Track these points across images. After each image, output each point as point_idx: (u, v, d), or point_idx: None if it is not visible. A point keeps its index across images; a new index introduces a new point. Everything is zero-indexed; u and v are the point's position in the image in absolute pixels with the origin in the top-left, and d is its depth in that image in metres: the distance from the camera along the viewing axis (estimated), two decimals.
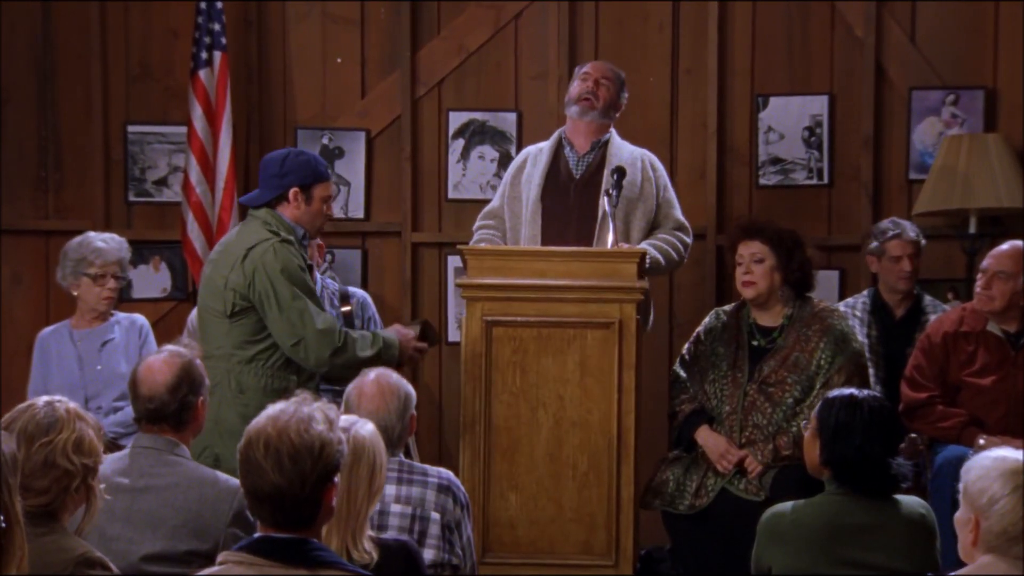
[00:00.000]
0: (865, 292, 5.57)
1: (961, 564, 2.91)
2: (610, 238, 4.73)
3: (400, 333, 4.59)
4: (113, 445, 4.43)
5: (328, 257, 5.98)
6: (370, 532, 3.24)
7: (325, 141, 6.22)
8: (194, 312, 5.43)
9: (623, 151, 5.18)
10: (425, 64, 6.23)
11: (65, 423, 2.91)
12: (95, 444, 2.95)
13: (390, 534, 3.51)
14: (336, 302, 5.24)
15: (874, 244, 5.46)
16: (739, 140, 6.17)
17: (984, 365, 4.87)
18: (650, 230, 5.14)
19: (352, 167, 6.24)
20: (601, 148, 5.18)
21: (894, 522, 3.60)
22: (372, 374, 3.78)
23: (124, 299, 5.86)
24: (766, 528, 3.65)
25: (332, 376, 4.48)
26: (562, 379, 4.56)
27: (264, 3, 6.26)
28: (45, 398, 2.98)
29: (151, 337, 5.27)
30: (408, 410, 3.74)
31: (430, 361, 6.24)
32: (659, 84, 6.19)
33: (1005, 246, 4.89)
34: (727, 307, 5.10)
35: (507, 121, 6.22)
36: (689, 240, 5.20)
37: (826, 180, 6.13)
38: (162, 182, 6.24)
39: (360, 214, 6.24)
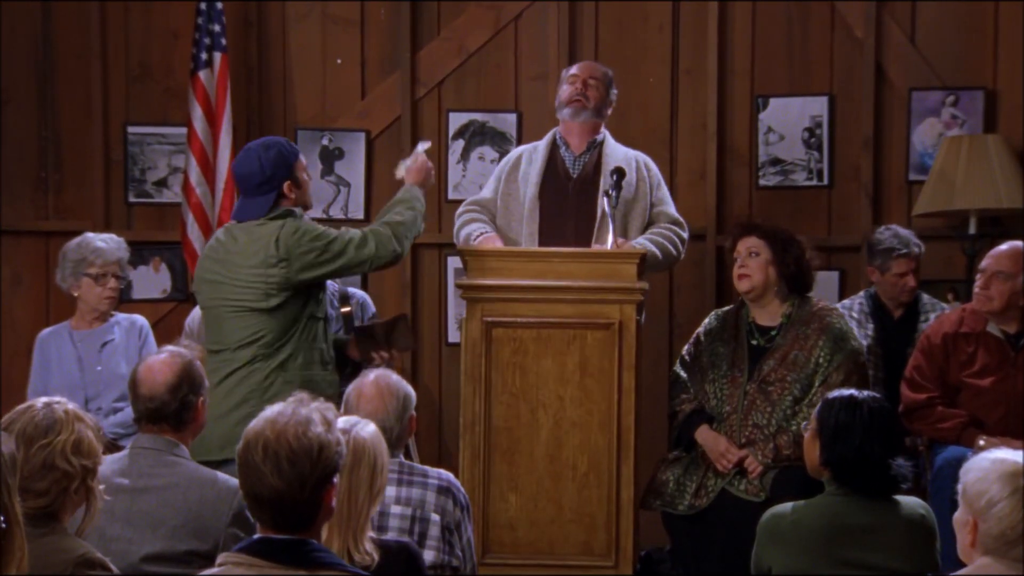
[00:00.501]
0: (862, 293, 5.57)
1: (961, 564, 2.91)
2: (610, 238, 4.73)
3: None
4: (113, 446, 4.43)
5: None
6: (371, 534, 3.24)
7: (325, 142, 6.22)
8: (192, 314, 5.45)
9: (617, 151, 5.21)
10: (425, 65, 6.23)
11: (64, 424, 2.91)
12: (94, 445, 2.95)
13: (390, 535, 3.50)
14: (336, 303, 5.24)
15: (878, 260, 5.43)
16: (739, 141, 6.17)
17: (984, 366, 4.87)
18: (646, 229, 5.14)
19: (352, 168, 6.24)
20: (597, 148, 5.19)
21: (894, 523, 3.60)
22: (372, 375, 3.77)
23: (124, 300, 5.86)
24: (766, 529, 3.65)
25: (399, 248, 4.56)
26: (562, 380, 4.56)
27: (264, 4, 6.26)
28: (44, 399, 2.98)
29: (151, 338, 5.27)
30: (407, 411, 3.73)
31: (430, 361, 6.24)
32: (659, 85, 6.19)
33: (1004, 246, 4.89)
34: (727, 308, 5.11)
35: (507, 122, 6.22)
36: (685, 235, 5.19)
37: (826, 181, 6.13)
38: (162, 183, 6.24)
39: (360, 215, 6.24)
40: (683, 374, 5.00)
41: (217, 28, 5.92)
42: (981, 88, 6.02)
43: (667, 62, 6.20)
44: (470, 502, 3.82)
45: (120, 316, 5.29)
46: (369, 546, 3.18)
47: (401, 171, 4.73)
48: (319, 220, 5.62)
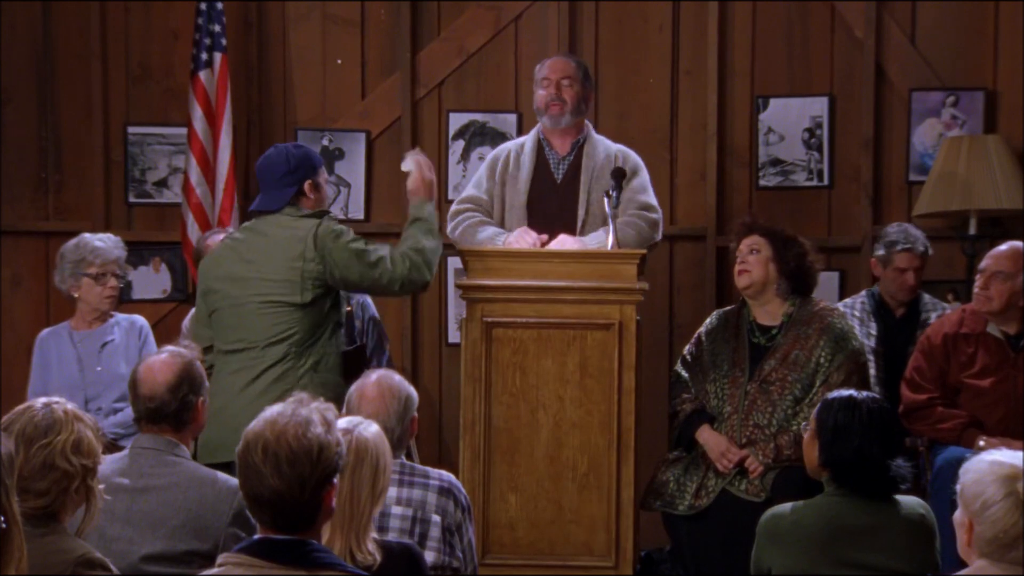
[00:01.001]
0: (864, 292, 5.57)
1: (962, 564, 2.91)
2: (610, 239, 4.73)
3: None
4: (113, 446, 4.43)
5: None
6: (374, 534, 3.24)
7: (325, 142, 6.22)
8: (190, 314, 5.45)
9: (597, 151, 5.16)
10: (425, 65, 6.23)
11: (63, 424, 2.91)
12: (94, 445, 2.95)
13: (390, 536, 3.50)
14: None
15: (881, 251, 5.44)
16: (739, 141, 6.17)
17: (984, 367, 4.87)
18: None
19: (352, 168, 6.24)
20: (578, 149, 5.17)
21: (894, 523, 3.60)
22: (374, 376, 3.78)
23: (124, 300, 5.85)
24: (766, 529, 3.65)
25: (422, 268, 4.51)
26: (562, 380, 4.56)
27: (264, 4, 6.26)
28: (43, 399, 2.98)
29: (151, 338, 5.27)
30: (409, 412, 3.73)
31: (430, 362, 6.24)
32: (659, 85, 6.20)
33: (1004, 246, 4.89)
34: (728, 308, 5.11)
35: (507, 122, 6.22)
36: (655, 216, 5.09)
37: (826, 181, 6.13)
38: (162, 183, 6.24)
39: (360, 215, 6.24)
40: (684, 374, 5.01)
41: (217, 28, 5.92)
42: (981, 88, 6.02)
43: (667, 62, 6.20)
44: (471, 503, 3.82)
45: (120, 316, 5.29)
46: (372, 546, 3.18)
47: (408, 164, 4.69)
48: None
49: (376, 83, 6.28)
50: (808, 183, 6.15)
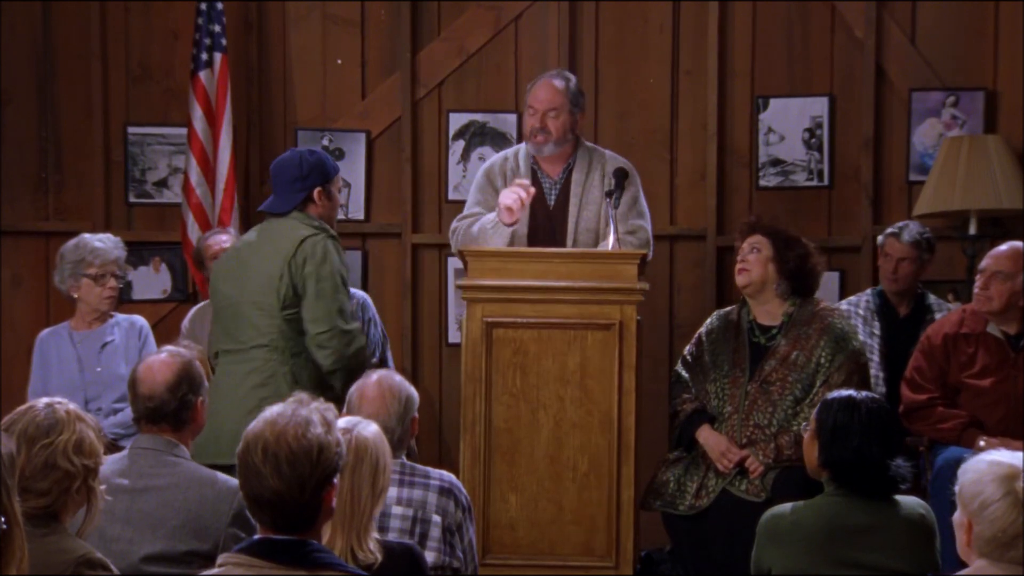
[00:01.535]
0: (868, 291, 5.57)
1: (962, 564, 2.91)
2: (611, 239, 4.73)
3: None
4: (113, 446, 4.43)
5: None
6: (375, 534, 3.24)
7: (325, 142, 6.22)
8: (189, 315, 5.46)
9: (589, 175, 5.07)
10: (425, 65, 6.23)
11: (65, 424, 2.92)
12: (95, 445, 2.95)
13: (391, 536, 3.50)
14: None
15: (880, 238, 5.48)
16: (739, 142, 6.17)
17: (984, 367, 4.87)
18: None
19: (352, 168, 6.24)
20: (568, 174, 5.11)
21: (894, 523, 3.60)
22: (374, 376, 3.78)
23: (124, 300, 5.86)
24: (766, 529, 3.65)
25: (334, 380, 4.46)
26: (562, 380, 4.56)
27: (264, 4, 6.26)
28: (45, 400, 2.98)
29: (151, 338, 5.27)
30: (409, 412, 3.74)
31: (430, 362, 6.25)
32: (659, 85, 6.19)
33: (1004, 246, 4.90)
34: (728, 308, 5.11)
35: (507, 122, 6.22)
36: (645, 236, 5.03)
37: (826, 182, 6.13)
38: (162, 183, 6.24)
39: (360, 215, 6.24)
40: (684, 374, 5.01)
41: (217, 28, 5.92)
42: (981, 88, 6.02)
43: (667, 62, 6.20)
44: (471, 503, 3.82)
45: (120, 317, 5.29)
46: (373, 545, 3.18)
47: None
48: None
49: (376, 83, 6.28)
50: (808, 183, 6.15)
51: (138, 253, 6.08)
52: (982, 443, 4.64)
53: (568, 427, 4.56)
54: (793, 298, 4.92)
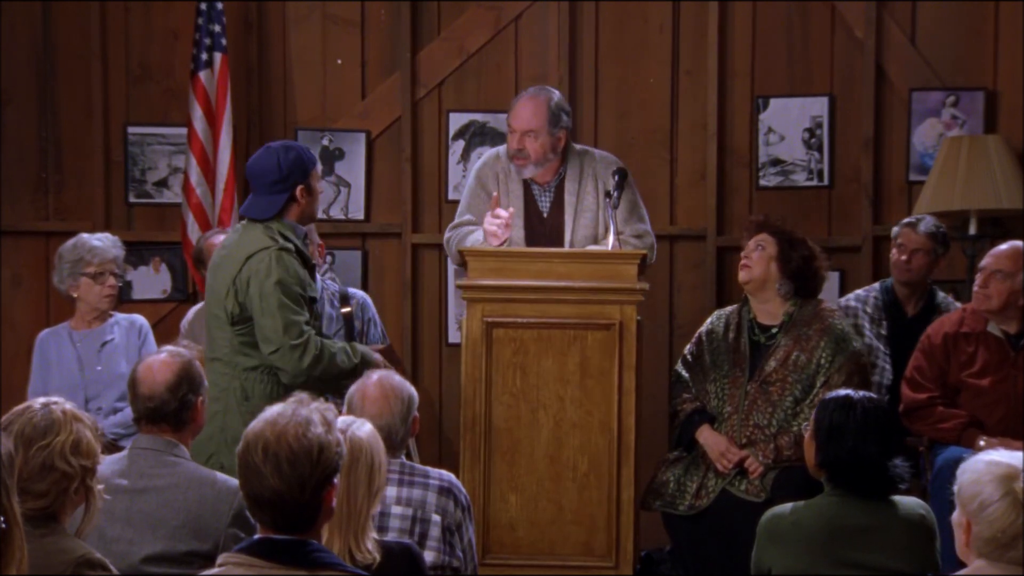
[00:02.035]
0: (876, 285, 5.53)
1: (962, 565, 2.91)
2: (611, 239, 4.73)
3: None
4: (113, 446, 4.43)
5: (328, 258, 5.98)
6: (373, 534, 3.23)
7: (325, 142, 6.22)
8: (188, 315, 5.46)
9: (582, 183, 5.02)
10: (425, 65, 6.23)
11: (62, 425, 2.91)
12: (93, 445, 2.95)
13: (391, 536, 3.50)
14: (336, 303, 5.24)
15: (894, 229, 5.45)
16: (739, 141, 6.17)
17: (984, 366, 4.87)
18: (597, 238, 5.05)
19: (352, 168, 6.24)
20: (560, 182, 5.07)
21: (893, 523, 3.60)
22: (375, 376, 3.78)
23: (124, 300, 5.86)
24: (766, 529, 3.65)
25: (308, 389, 4.39)
26: (562, 380, 4.56)
27: (264, 4, 6.26)
28: (42, 400, 2.97)
29: (151, 337, 5.27)
30: (411, 412, 3.74)
31: (430, 362, 6.24)
32: (659, 85, 6.19)
33: (1004, 246, 4.90)
34: (729, 307, 5.11)
35: None
36: (650, 240, 5.03)
37: (826, 181, 6.13)
38: (162, 183, 6.24)
39: (360, 215, 6.24)
40: (685, 373, 5.01)
41: (217, 28, 5.92)
42: (981, 88, 6.02)
43: (667, 62, 6.19)
44: (471, 503, 3.82)
45: (119, 316, 5.29)
46: (371, 545, 3.18)
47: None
48: (318, 221, 5.63)
49: (376, 83, 6.28)
50: (808, 183, 6.15)
51: (138, 253, 6.08)
52: (982, 443, 4.64)
53: (568, 427, 4.56)
54: (795, 299, 4.92)
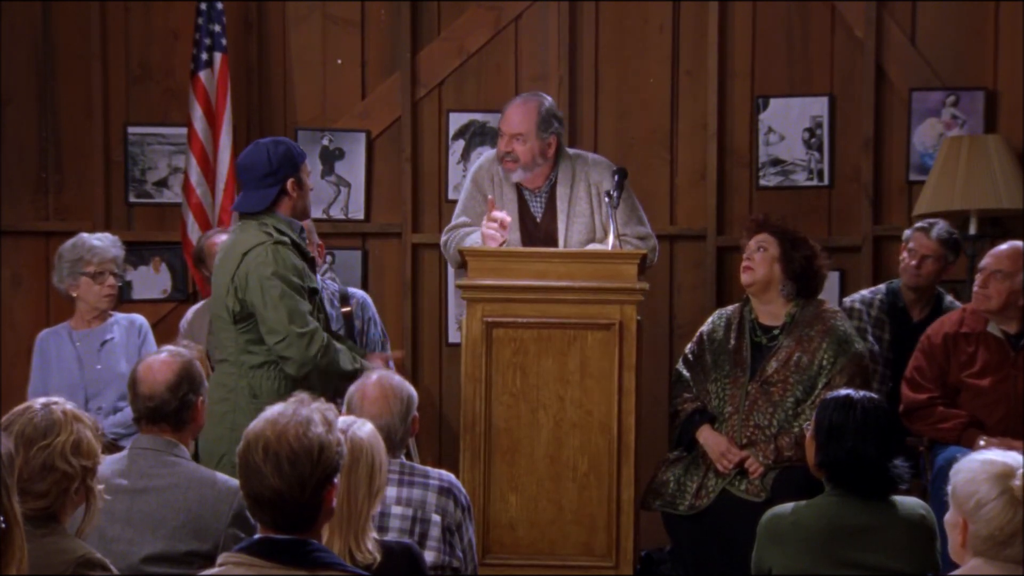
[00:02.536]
0: (883, 286, 5.51)
1: (957, 566, 2.90)
2: (611, 239, 4.73)
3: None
4: (113, 446, 4.43)
5: (328, 258, 5.98)
6: (373, 534, 3.24)
7: (325, 142, 6.22)
8: (187, 314, 5.46)
9: (574, 189, 5.02)
10: (425, 65, 6.23)
11: (63, 425, 2.91)
12: (93, 445, 2.95)
13: (391, 536, 3.50)
14: (336, 303, 5.24)
15: (906, 232, 5.43)
16: (739, 141, 6.17)
17: (984, 366, 4.86)
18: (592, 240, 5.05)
19: (352, 168, 6.24)
20: (552, 188, 5.07)
21: (894, 523, 3.60)
22: (374, 376, 3.78)
23: (124, 300, 5.86)
24: (766, 529, 3.65)
25: (310, 384, 4.40)
26: (562, 380, 4.56)
27: (264, 4, 6.26)
28: (42, 400, 2.97)
29: (150, 337, 5.28)
30: (410, 412, 3.74)
31: (430, 362, 6.25)
32: (659, 85, 6.19)
33: (1004, 246, 4.90)
34: (731, 307, 5.11)
35: None
36: (653, 242, 5.05)
37: (826, 181, 6.13)
38: (162, 183, 6.24)
39: (360, 215, 6.24)
40: (685, 373, 5.00)
41: (217, 28, 5.92)
42: (981, 88, 6.02)
43: (667, 62, 6.20)
44: (471, 503, 3.82)
45: (119, 316, 5.30)
46: (371, 545, 3.18)
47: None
48: (318, 221, 5.64)
49: (376, 83, 6.28)
50: (808, 183, 6.15)
51: (138, 253, 6.08)
52: (982, 443, 4.63)
53: (568, 427, 4.56)
54: (797, 299, 4.91)
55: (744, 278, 4.93)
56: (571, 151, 5.18)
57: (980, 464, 2.84)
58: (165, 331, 5.72)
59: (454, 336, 6.12)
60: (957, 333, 4.91)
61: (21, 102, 6.22)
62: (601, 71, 6.19)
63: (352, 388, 3.78)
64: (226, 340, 4.42)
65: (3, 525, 2.35)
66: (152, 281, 6.22)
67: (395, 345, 5.85)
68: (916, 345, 5.17)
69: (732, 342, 4.93)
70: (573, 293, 4.57)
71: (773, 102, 6.14)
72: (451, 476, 3.75)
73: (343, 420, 3.24)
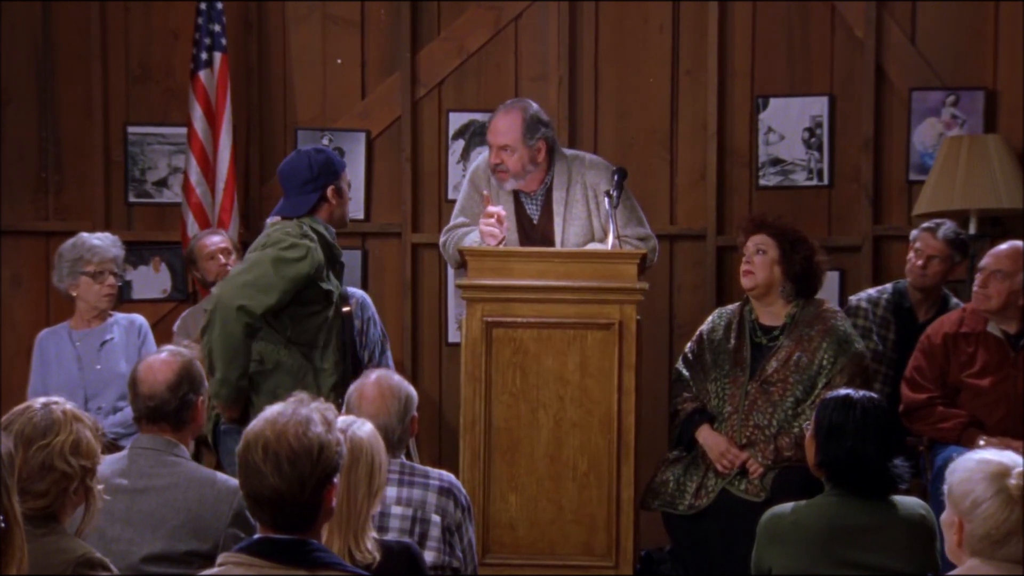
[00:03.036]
0: (889, 285, 5.50)
1: (954, 566, 2.90)
2: (611, 238, 4.73)
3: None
4: (113, 446, 4.43)
5: None
6: (373, 534, 3.24)
7: (325, 142, 6.21)
8: (182, 316, 5.47)
9: (571, 191, 5.01)
10: (425, 65, 6.23)
11: (62, 425, 2.91)
12: (92, 445, 2.95)
13: (391, 536, 3.50)
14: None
15: (913, 232, 5.42)
16: (739, 141, 6.17)
17: (984, 366, 4.86)
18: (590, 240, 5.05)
19: (352, 168, 6.21)
20: (548, 191, 5.06)
21: (894, 523, 3.60)
22: (373, 375, 3.78)
23: (124, 300, 5.86)
24: (766, 529, 3.65)
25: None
26: (562, 380, 4.56)
27: (264, 4, 6.26)
28: (42, 399, 2.97)
29: (150, 336, 5.28)
30: (409, 412, 3.74)
31: (430, 362, 6.25)
32: (659, 85, 6.19)
33: (1004, 246, 4.90)
34: (731, 306, 5.10)
35: None
36: (653, 243, 5.05)
37: (826, 181, 6.13)
38: (162, 183, 6.24)
39: (360, 215, 6.24)
40: (685, 372, 5.00)
41: (217, 28, 5.92)
42: (981, 88, 6.02)
43: (667, 62, 6.19)
44: (471, 502, 3.82)
45: (119, 315, 5.30)
46: (371, 545, 3.18)
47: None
48: None
49: (376, 83, 6.28)
50: (808, 183, 6.14)
51: (138, 253, 6.08)
52: (982, 443, 4.63)
53: (568, 427, 4.56)
54: (797, 299, 4.91)
55: (745, 282, 4.91)
56: (568, 152, 5.18)
57: (976, 463, 2.84)
58: (165, 331, 5.73)
59: (454, 336, 6.12)
60: (957, 333, 4.91)
61: (21, 102, 6.22)
62: (601, 71, 6.19)
63: (351, 387, 3.78)
64: (285, 326, 4.50)
65: (3, 525, 2.35)
66: (152, 281, 6.22)
67: (395, 345, 5.85)
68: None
69: (732, 342, 4.92)
70: (573, 293, 4.57)
71: (773, 102, 6.14)
72: (451, 476, 3.75)
73: (343, 420, 3.25)
